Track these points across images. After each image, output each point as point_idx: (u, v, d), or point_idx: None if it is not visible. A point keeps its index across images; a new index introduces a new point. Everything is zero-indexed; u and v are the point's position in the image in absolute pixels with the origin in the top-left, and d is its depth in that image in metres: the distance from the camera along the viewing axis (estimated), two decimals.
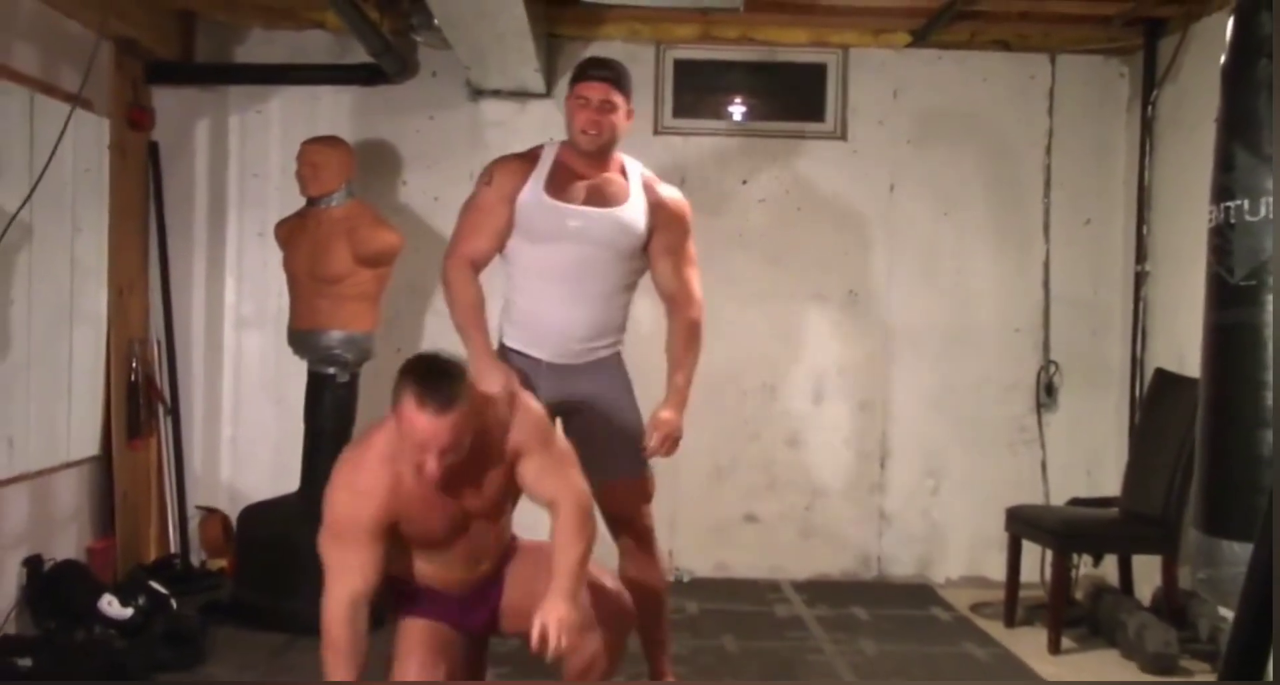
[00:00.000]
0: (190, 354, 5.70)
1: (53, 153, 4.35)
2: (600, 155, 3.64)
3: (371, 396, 5.24)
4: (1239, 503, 2.64)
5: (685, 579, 5.69)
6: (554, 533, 3.05)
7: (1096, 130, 5.81)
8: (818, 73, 5.85)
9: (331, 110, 5.64)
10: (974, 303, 5.83)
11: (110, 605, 4.41)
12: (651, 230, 3.68)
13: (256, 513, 5.04)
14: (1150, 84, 5.44)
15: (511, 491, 3.10)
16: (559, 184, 3.62)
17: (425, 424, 2.75)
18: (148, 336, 5.53)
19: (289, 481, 5.10)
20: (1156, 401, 5.04)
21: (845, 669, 4.46)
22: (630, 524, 3.75)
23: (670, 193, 3.76)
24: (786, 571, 5.78)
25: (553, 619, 2.92)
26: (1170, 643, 4.44)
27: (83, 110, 4.67)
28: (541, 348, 3.65)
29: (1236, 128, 2.71)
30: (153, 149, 5.59)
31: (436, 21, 4.73)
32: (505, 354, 3.70)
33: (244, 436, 5.75)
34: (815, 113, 5.85)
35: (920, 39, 5.66)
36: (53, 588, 4.47)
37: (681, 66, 5.83)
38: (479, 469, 2.96)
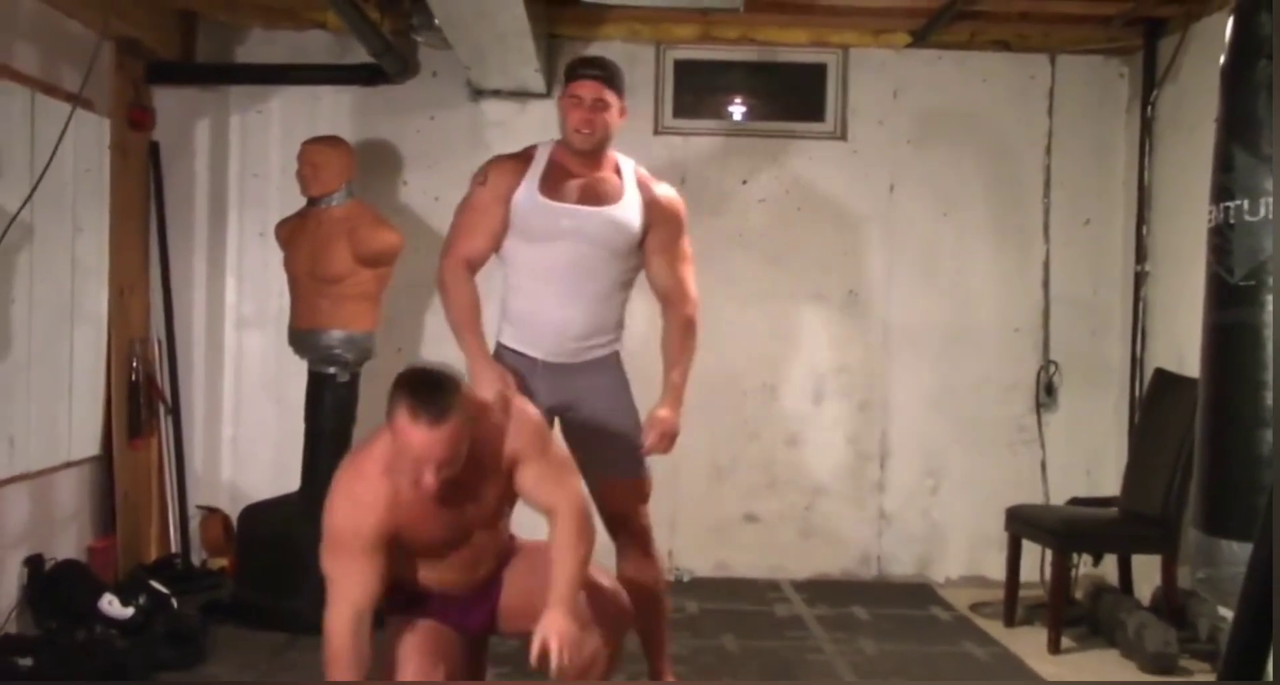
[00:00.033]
0: (191, 354, 5.71)
1: (53, 153, 4.35)
2: (594, 154, 3.64)
3: (372, 396, 5.24)
4: (1238, 502, 2.64)
5: (685, 578, 5.70)
6: (552, 540, 3.03)
7: (1096, 130, 5.81)
8: (818, 73, 5.85)
9: (332, 110, 5.65)
10: (974, 303, 5.83)
11: (111, 605, 4.41)
12: (646, 228, 3.69)
13: (257, 512, 5.04)
14: (1150, 84, 5.44)
15: (510, 497, 3.10)
16: (553, 183, 3.62)
17: (420, 437, 2.74)
18: (148, 336, 5.53)
19: (289, 481, 5.11)
20: (1156, 401, 5.04)
21: (845, 668, 4.46)
22: (628, 524, 3.75)
23: (664, 190, 3.76)
24: (786, 571, 5.79)
25: (554, 633, 2.91)
26: (1170, 642, 4.44)
27: (83, 110, 4.67)
28: (538, 347, 3.66)
29: (1236, 128, 2.71)
30: (153, 149, 5.59)
31: (437, 21, 4.73)
32: (502, 353, 3.71)
33: (245, 436, 5.76)
34: (815, 113, 5.85)
35: (920, 39, 5.67)
36: (53, 587, 4.47)
37: (682, 67, 5.84)
38: (477, 478, 2.94)
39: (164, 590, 4.61)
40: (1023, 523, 5.04)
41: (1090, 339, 5.82)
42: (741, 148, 5.84)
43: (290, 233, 5.05)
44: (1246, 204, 2.65)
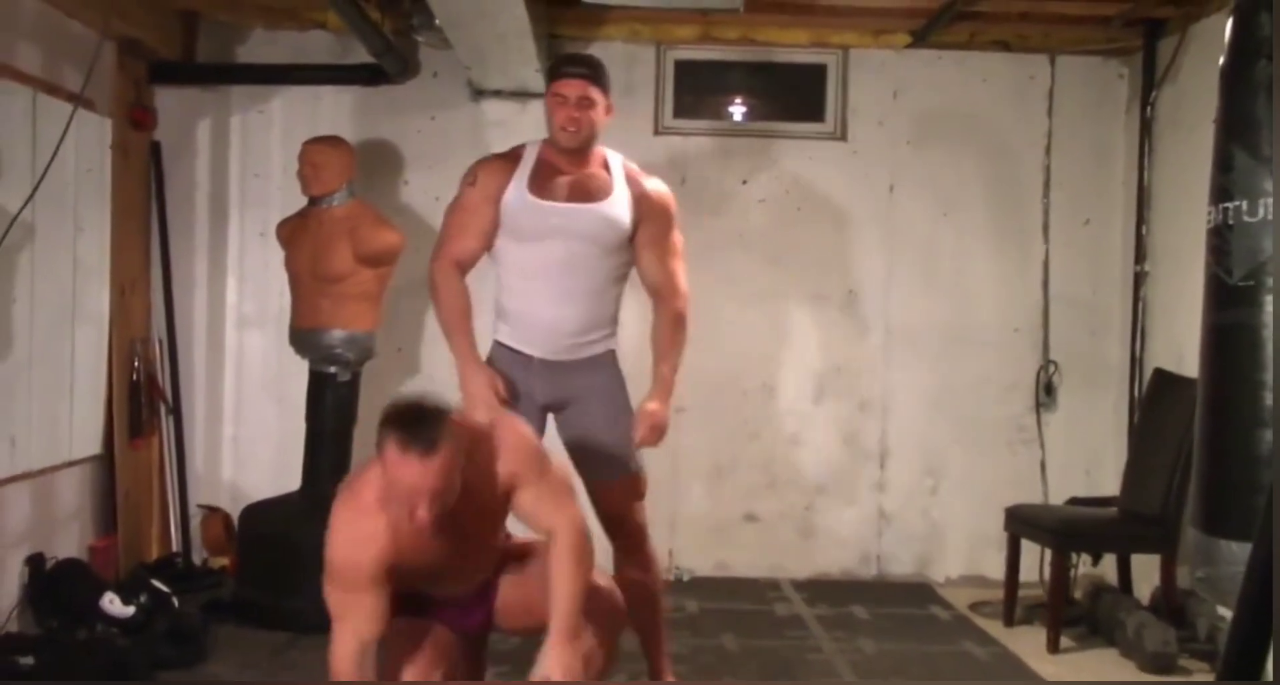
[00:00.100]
0: (192, 353, 5.71)
1: (55, 153, 4.36)
2: (581, 151, 3.65)
3: (372, 396, 5.26)
4: (1237, 502, 2.65)
5: (685, 578, 5.70)
6: (551, 564, 3.00)
7: (1096, 131, 5.82)
8: (817, 73, 5.86)
9: (333, 110, 5.65)
10: (973, 303, 5.84)
11: (112, 604, 4.41)
12: (636, 223, 3.69)
13: (258, 511, 5.05)
14: (1149, 85, 5.45)
15: (507, 513, 3.08)
16: (542, 182, 3.63)
17: (410, 471, 2.70)
18: (150, 336, 5.54)
19: (290, 480, 5.12)
20: (1155, 401, 5.05)
21: (845, 668, 4.47)
22: (624, 522, 3.76)
23: (654, 185, 3.76)
24: (786, 570, 5.79)
25: (557, 670, 2.90)
26: (1169, 642, 4.45)
27: (85, 110, 4.68)
28: (533, 345, 3.67)
29: (1235, 129, 2.72)
30: (155, 149, 5.60)
31: (438, 22, 4.74)
32: (498, 351, 3.72)
33: (245, 435, 5.76)
34: (815, 113, 5.86)
35: (920, 40, 5.67)
36: (54, 586, 4.48)
37: (682, 67, 5.84)
38: (473, 505, 2.90)
39: (165, 589, 4.61)
40: (1022, 522, 5.05)
41: (1090, 339, 5.83)
42: (741, 148, 5.85)
43: (291, 232, 5.05)
44: (1245, 205, 2.66)
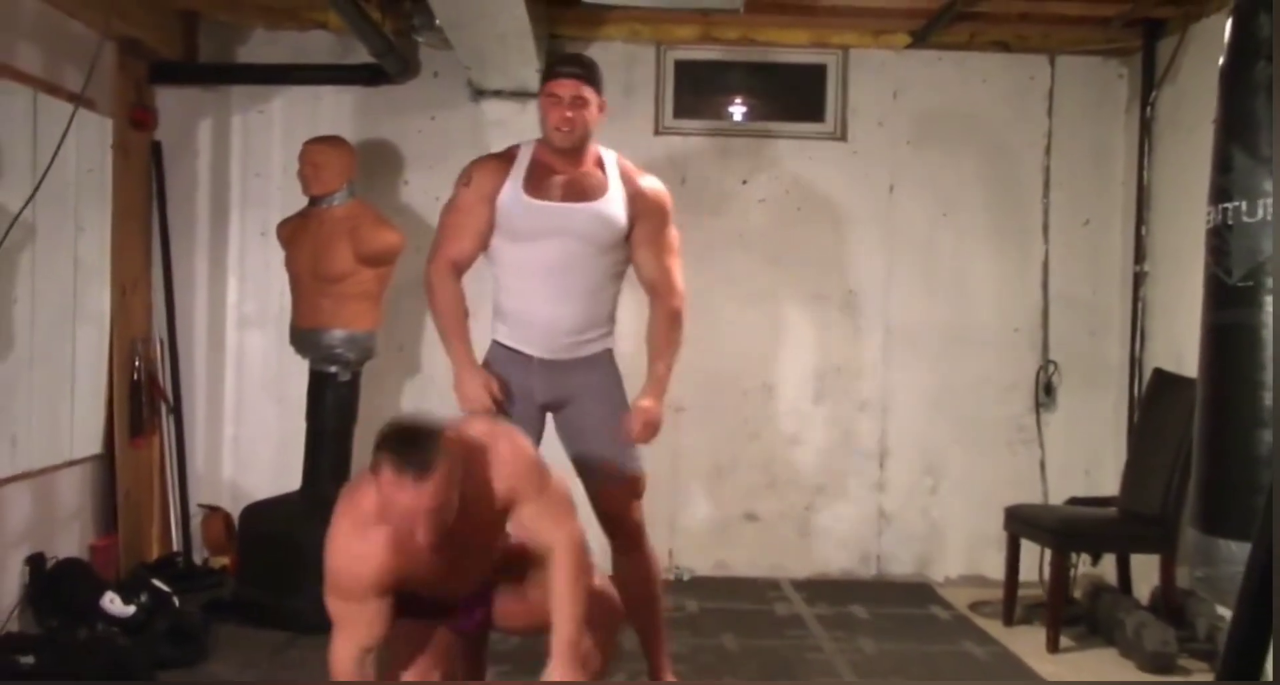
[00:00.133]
0: (193, 353, 5.72)
1: (56, 152, 4.36)
2: (576, 151, 3.66)
3: (373, 395, 5.28)
4: (1237, 502, 2.65)
5: (685, 577, 5.71)
6: (551, 584, 3.00)
7: (1095, 131, 5.82)
8: (817, 73, 5.86)
9: (333, 110, 5.66)
10: (973, 303, 5.84)
11: (112, 603, 4.41)
12: (632, 220, 3.70)
13: (258, 511, 5.06)
14: (1149, 85, 5.45)
15: (504, 525, 3.07)
16: (537, 181, 3.64)
17: (407, 494, 2.69)
18: (150, 335, 5.54)
19: (291, 480, 5.12)
20: (1155, 401, 5.05)
21: (845, 667, 4.47)
22: (622, 521, 3.76)
23: (649, 182, 3.77)
24: (786, 570, 5.80)
25: None
26: (1168, 642, 4.45)
27: (86, 110, 4.68)
28: (531, 344, 3.68)
29: (1234, 129, 2.72)
30: (155, 149, 5.60)
31: (438, 22, 4.75)
32: (497, 350, 3.74)
33: (246, 435, 5.77)
34: (815, 113, 5.86)
35: (920, 40, 5.68)
36: (55, 586, 4.48)
37: (682, 67, 5.85)
38: (472, 520, 2.89)
39: (165, 589, 4.61)
40: (1022, 522, 5.05)
41: (1089, 339, 5.84)
42: (741, 148, 5.85)
43: (292, 232, 5.06)
44: (1245, 205, 2.66)
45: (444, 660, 3.10)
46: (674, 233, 3.80)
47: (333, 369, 4.97)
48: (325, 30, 5.65)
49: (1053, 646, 4.69)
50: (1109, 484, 5.43)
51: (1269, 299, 2.62)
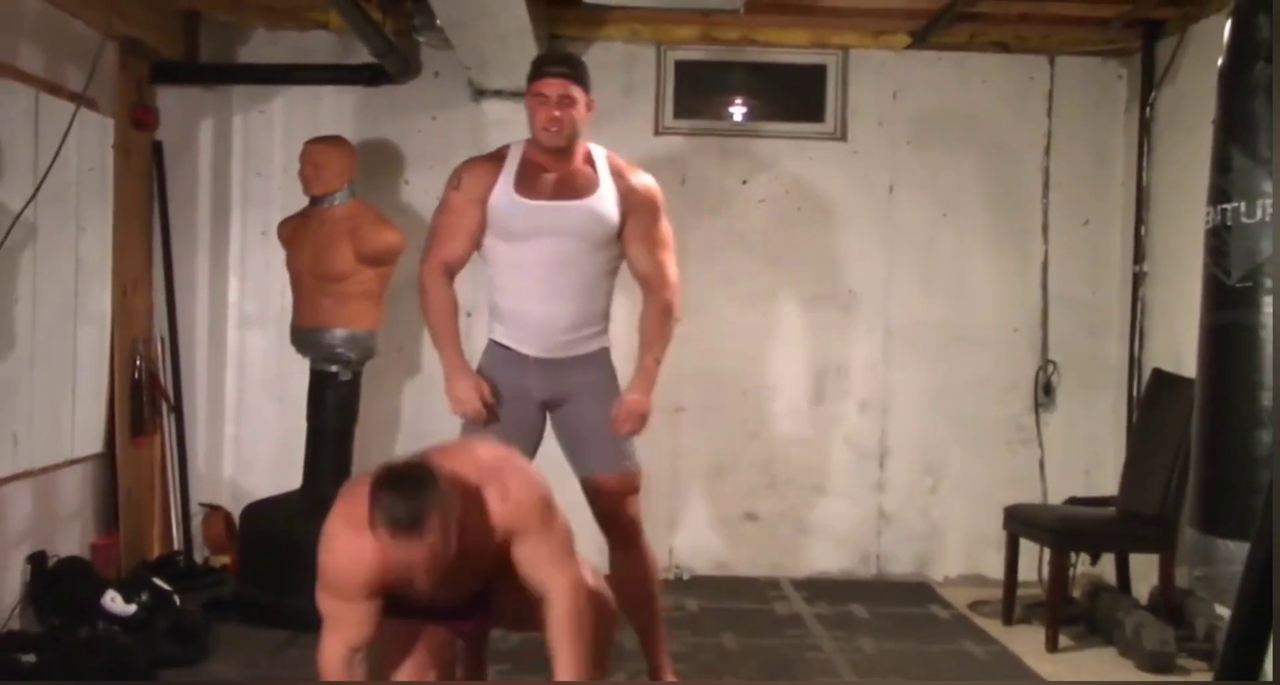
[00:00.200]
0: (194, 352, 5.73)
1: (57, 152, 4.36)
2: (565, 149, 3.67)
3: (373, 394, 5.29)
4: (1235, 502, 2.65)
5: (685, 576, 5.71)
6: (549, 630, 2.94)
7: (1095, 132, 5.83)
8: (817, 74, 5.87)
9: (334, 110, 5.66)
10: (973, 303, 5.85)
11: (114, 601, 4.43)
12: (624, 216, 3.71)
13: (259, 510, 5.06)
14: (1148, 86, 5.46)
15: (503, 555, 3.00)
16: (528, 181, 3.66)
17: (402, 553, 2.67)
18: (152, 335, 5.55)
19: (291, 479, 5.13)
20: (1154, 401, 5.06)
21: (844, 666, 4.48)
22: (618, 517, 3.77)
23: (640, 177, 3.78)
24: (786, 569, 5.81)
25: None
26: (1167, 641, 4.46)
27: (87, 110, 4.69)
28: (527, 343, 3.69)
29: (1233, 130, 2.72)
30: (157, 148, 5.61)
31: (439, 22, 4.75)
32: (494, 349, 3.75)
33: (247, 434, 5.77)
34: (815, 114, 5.87)
35: (920, 40, 5.68)
36: (56, 584, 4.49)
37: (682, 67, 5.85)
38: (471, 553, 2.84)
39: (166, 587, 4.62)
40: (1021, 522, 5.06)
41: (1089, 339, 5.84)
42: (741, 148, 5.86)
43: (292, 232, 5.07)
44: (1243, 206, 2.67)
45: (439, 660, 3.10)
46: (666, 227, 3.81)
47: (333, 368, 4.98)
48: (326, 30, 5.66)
49: (1052, 646, 4.69)
50: (1108, 484, 5.44)
51: (1268, 300, 2.62)
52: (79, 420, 4.89)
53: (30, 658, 3.88)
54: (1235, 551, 2.56)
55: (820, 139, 5.85)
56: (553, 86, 3.62)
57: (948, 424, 5.83)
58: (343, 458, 5.00)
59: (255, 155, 5.75)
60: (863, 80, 5.83)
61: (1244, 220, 2.67)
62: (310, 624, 3.00)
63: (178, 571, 5.24)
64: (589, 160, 3.74)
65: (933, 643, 4.84)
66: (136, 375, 5.33)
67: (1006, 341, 5.85)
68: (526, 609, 2.99)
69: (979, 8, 5.26)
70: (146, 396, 5.39)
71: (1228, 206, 2.70)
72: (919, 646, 4.77)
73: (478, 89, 5.72)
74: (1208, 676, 4.33)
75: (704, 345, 5.66)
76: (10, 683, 3.78)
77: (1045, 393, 5.82)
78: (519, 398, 3.70)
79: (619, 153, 3.85)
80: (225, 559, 5.49)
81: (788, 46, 5.84)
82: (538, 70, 3.68)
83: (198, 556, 5.56)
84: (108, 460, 5.11)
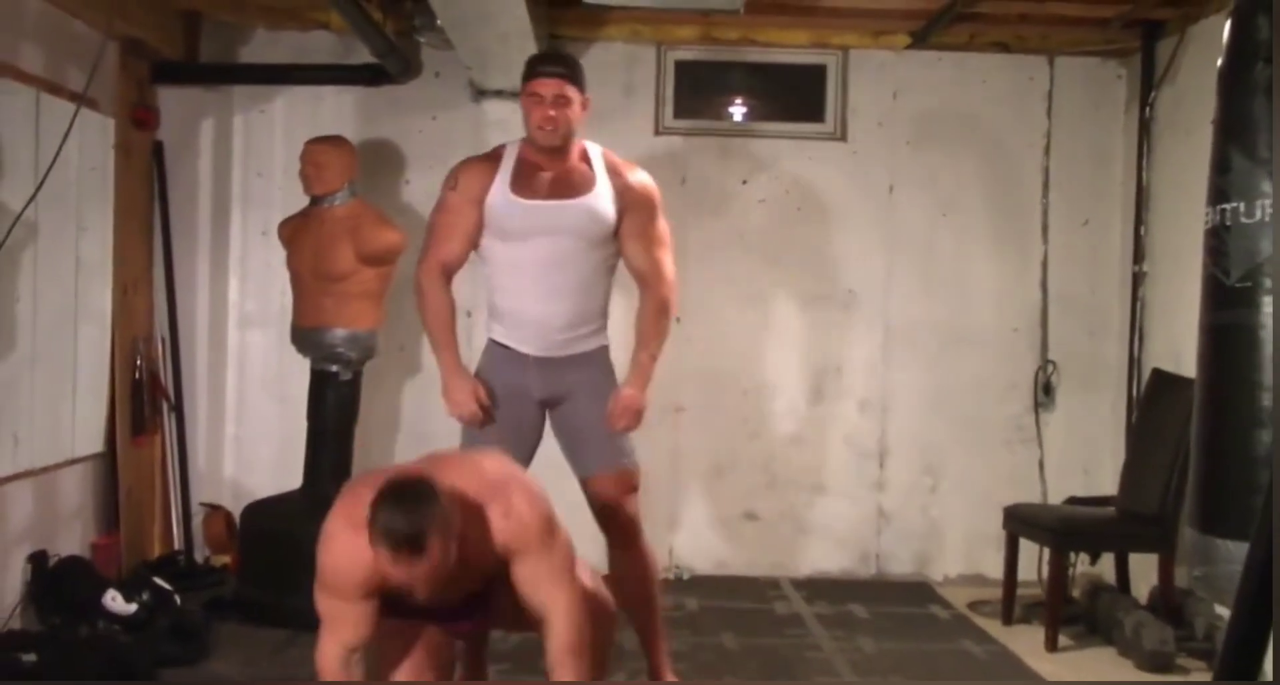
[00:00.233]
0: (194, 352, 5.73)
1: (58, 152, 4.36)
2: (560, 149, 3.68)
3: (374, 394, 5.29)
4: (1235, 502, 2.65)
5: (685, 576, 5.72)
6: (548, 654, 2.93)
7: (1094, 132, 5.84)
8: (817, 74, 5.87)
9: (335, 110, 5.67)
10: (972, 303, 5.85)
11: (114, 601, 4.43)
12: (621, 214, 3.71)
13: (259, 509, 5.07)
14: (1148, 86, 5.47)
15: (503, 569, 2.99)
16: (524, 180, 3.66)
17: (403, 570, 2.68)
18: (152, 334, 5.56)
19: (292, 478, 5.13)
20: (1153, 401, 5.07)
21: (844, 666, 4.48)
22: (616, 515, 3.77)
23: (636, 175, 3.78)
24: (786, 569, 5.81)
25: None
26: (1167, 641, 4.46)
27: (88, 110, 4.69)
28: (526, 342, 3.70)
29: (1233, 130, 2.73)
30: (157, 148, 5.61)
31: (440, 22, 4.76)
32: (493, 349, 3.76)
33: (247, 434, 5.78)
34: (815, 114, 5.87)
35: (920, 41, 5.69)
36: (57, 583, 4.49)
37: (682, 67, 5.86)
38: (471, 564, 2.85)
39: (167, 587, 4.63)
40: (1021, 521, 5.06)
41: (1088, 339, 5.85)
42: (741, 148, 5.86)
43: (293, 232, 5.07)
44: (1243, 206, 2.67)
45: (436, 660, 3.10)
46: (663, 224, 3.82)
47: (334, 368, 4.98)
48: (327, 30, 5.66)
49: (1051, 645, 4.70)
50: (1108, 483, 5.44)
51: (1267, 299, 2.63)
52: (79, 420, 4.89)
53: (31, 657, 3.88)
54: (1235, 551, 2.57)
55: (820, 139, 5.85)
56: (548, 86, 3.63)
57: (947, 424, 5.83)
58: (343, 457, 5.00)
59: (256, 155, 5.76)
60: (862, 80, 5.83)
61: (1243, 220, 2.67)
62: (310, 624, 3.00)
63: (178, 571, 5.24)
64: (585, 158, 3.74)
65: (932, 642, 4.84)
66: (137, 375, 5.34)
67: (1006, 341, 5.85)
68: (519, 615, 2.99)
69: (979, 8, 5.26)
70: (147, 396, 5.39)
71: (1227, 207, 2.71)
72: (919, 646, 4.77)
73: (478, 89, 5.72)
74: (1207, 676, 4.34)
75: (704, 345, 5.67)
76: (10, 682, 3.79)
77: (1045, 393, 5.83)
78: (518, 397, 3.71)
79: (619, 153, 3.86)
80: (226, 558, 5.49)
81: (788, 47, 5.85)
82: (532, 70, 3.69)
83: (198, 556, 5.56)
84: (108, 460, 5.12)
